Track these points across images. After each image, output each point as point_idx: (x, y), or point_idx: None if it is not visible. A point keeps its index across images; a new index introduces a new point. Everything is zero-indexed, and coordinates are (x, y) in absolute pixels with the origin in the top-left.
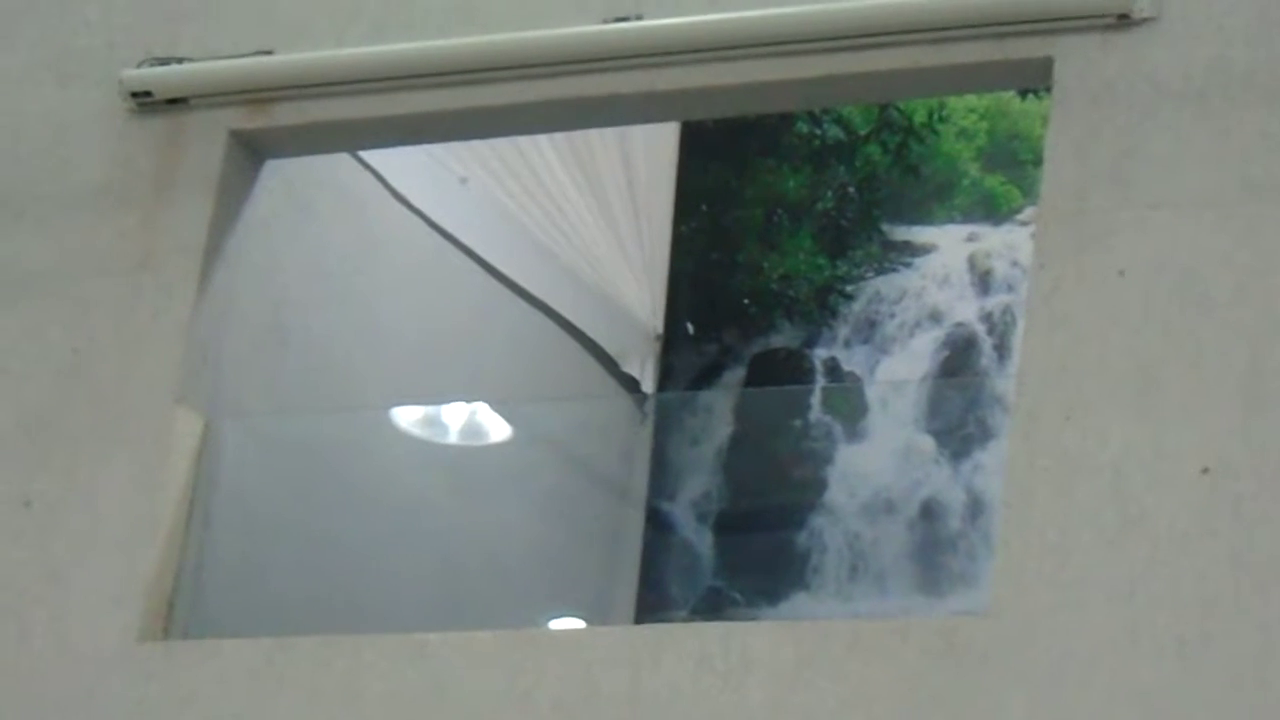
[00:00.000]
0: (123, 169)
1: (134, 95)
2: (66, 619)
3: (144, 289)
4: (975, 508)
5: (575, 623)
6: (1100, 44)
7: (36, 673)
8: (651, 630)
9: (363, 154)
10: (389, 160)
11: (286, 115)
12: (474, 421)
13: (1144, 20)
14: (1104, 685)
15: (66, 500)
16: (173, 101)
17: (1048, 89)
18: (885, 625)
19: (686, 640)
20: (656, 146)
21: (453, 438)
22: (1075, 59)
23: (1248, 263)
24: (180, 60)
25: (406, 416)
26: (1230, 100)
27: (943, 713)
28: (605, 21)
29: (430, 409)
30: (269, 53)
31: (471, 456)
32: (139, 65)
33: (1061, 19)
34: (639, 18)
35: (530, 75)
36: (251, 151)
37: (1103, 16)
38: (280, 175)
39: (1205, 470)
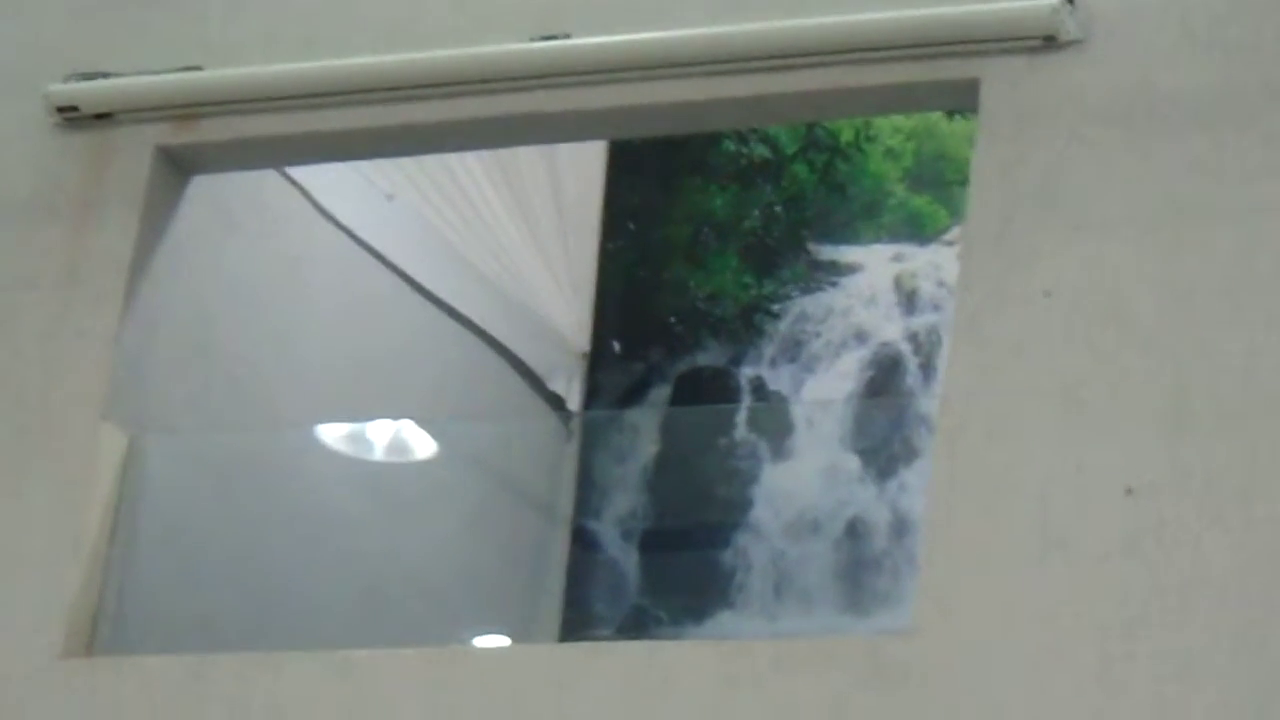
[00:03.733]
0: (48, 184)
1: (60, 110)
2: None
3: (69, 304)
4: (900, 527)
5: (499, 640)
6: (1026, 66)
7: None
8: (576, 649)
9: (289, 170)
10: (315, 176)
11: (213, 131)
12: (399, 439)
13: (1070, 43)
14: (1027, 704)
15: None
16: (99, 116)
17: (974, 110)
18: (809, 644)
19: (611, 659)
20: (583, 164)
21: (378, 455)
22: (1001, 81)
23: (1172, 284)
24: (107, 75)
25: (332, 433)
26: (1155, 123)
27: None
28: (534, 40)
29: (355, 426)
30: (197, 68)
31: (397, 473)
32: (65, 80)
33: (988, 41)
34: (567, 36)
35: (459, 93)
36: (178, 167)
37: (1029, 39)
38: (206, 190)
39: (1129, 491)
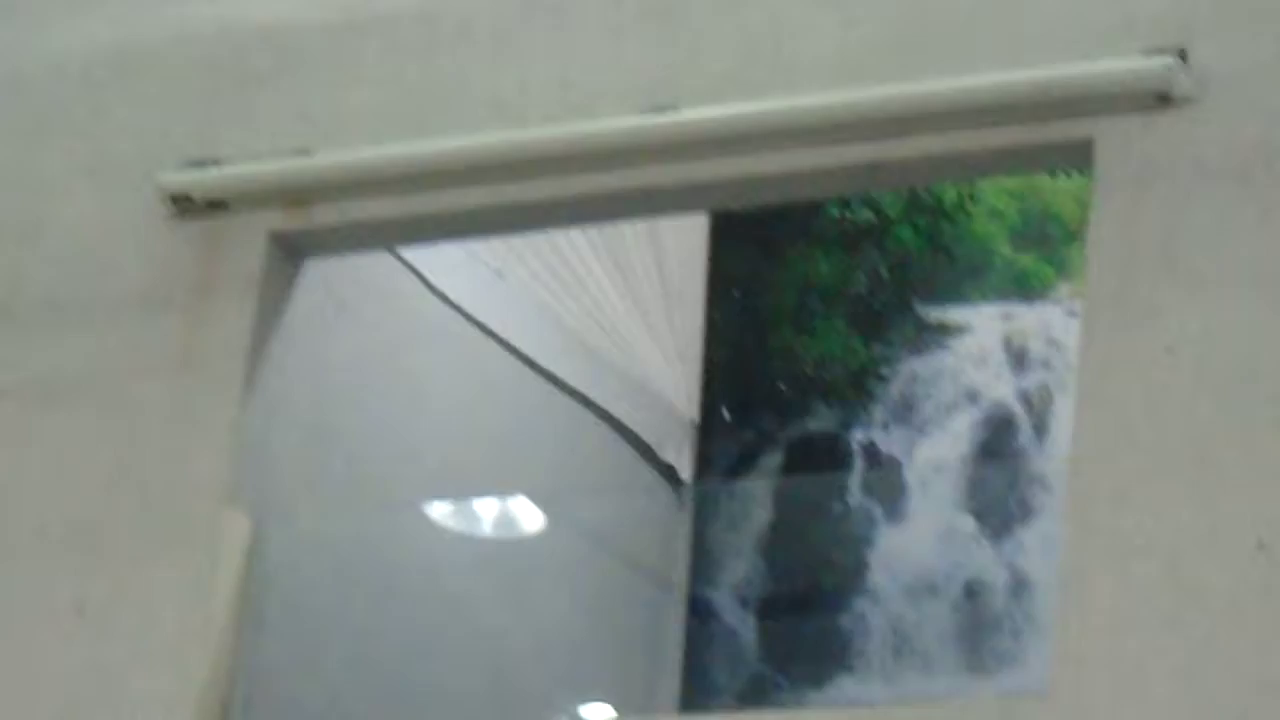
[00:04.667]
0: (164, 272)
1: (172, 199)
2: None
3: (189, 391)
4: (1018, 587)
5: (615, 712)
6: (1141, 125)
7: None
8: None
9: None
10: (426, 254)
11: (326, 215)
12: (515, 515)
13: (1184, 101)
14: None
15: (118, 604)
16: (211, 204)
17: (1088, 170)
18: (944, 708)
19: None
20: (686, 232)
21: (494, 531)
22: (1116, 140)
23: None
24: (217, 162)
25: (447, 511)
26: (1274, 178)
27: None
28: (643, 112)
29: (470, 503)
30: (306, 153)
31: (513, 550)
32: (177, 168)
33: (1101, 100)
34: (675, 108)
35: (569, 170)
36: (291, 252)
37: (1143, 97)
38: (318, 272)
39: (1261, 546)
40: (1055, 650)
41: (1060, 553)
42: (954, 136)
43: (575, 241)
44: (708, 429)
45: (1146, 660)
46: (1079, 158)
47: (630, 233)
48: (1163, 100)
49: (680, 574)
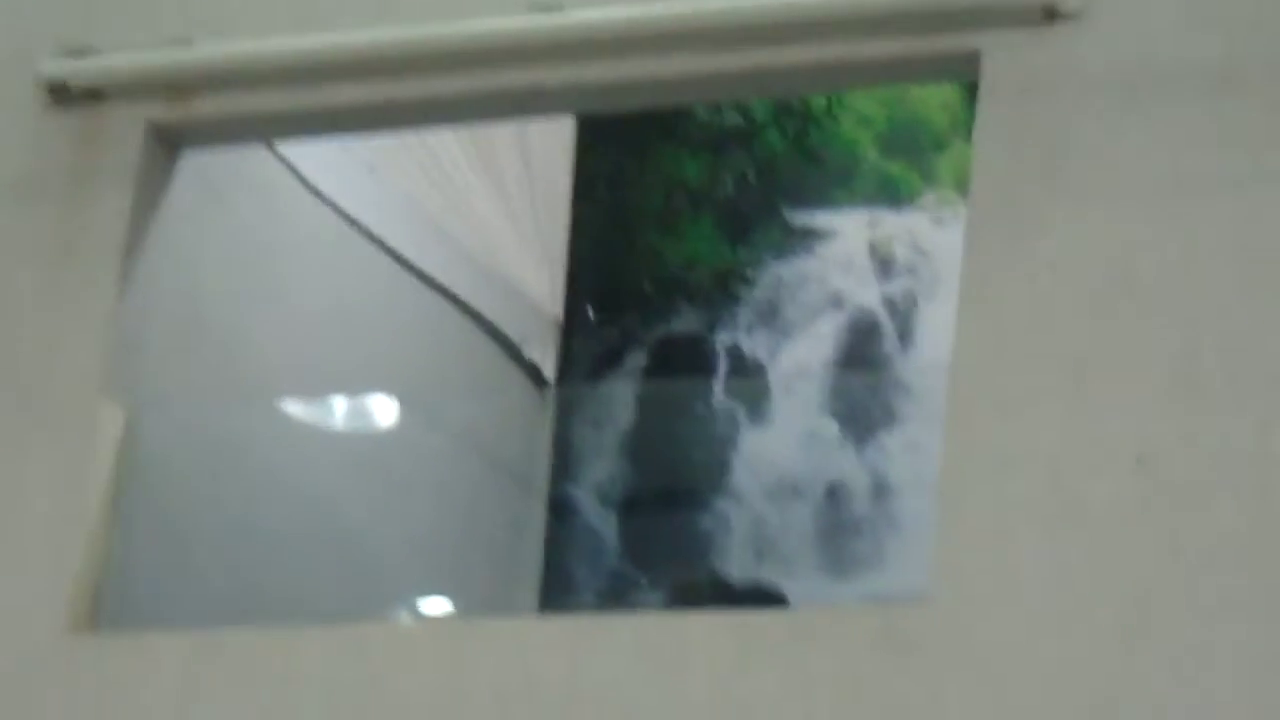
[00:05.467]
0: (40, 161)
1: (50, 88)
2: None
3: (64, 281)
4: (879, 491)
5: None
6: (1028, 39)
7: None
8: (589, 620)
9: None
10: (300, 148)
11: (205, 107)
12: (379, 410)
13: (1071, 15)
14: (1044, 672)
15: None
16: (90, 94)
17: (974, 82)
18: (824, 614)
19: (625, 630)
20: (553, 131)
21: (356, 426)
22: (1003, 53)
23: (1177, 253)
24: (96, 52)
25: (310, 406)
26: (1158, 95)
27: (883, 700)
28: (529, 11)
29: (335, 398)
30: (186, 43)
31: (376, 444)
32: (54, 57)
33: (989, 13)
34: (560, 8)
35: (451, 68)
36: (169, 143)
37: (1030, 11)
38: (192, 163)
39: (1140, 459)
40: (935, 558)
41: (940, 462)
42: (839, 46)
43: (443, 137)
44: (572, 326)
45: (1026, 569)
46: (965, 70)
47: (497, 130)
48: (1050, 14)
49: (542, 473)
